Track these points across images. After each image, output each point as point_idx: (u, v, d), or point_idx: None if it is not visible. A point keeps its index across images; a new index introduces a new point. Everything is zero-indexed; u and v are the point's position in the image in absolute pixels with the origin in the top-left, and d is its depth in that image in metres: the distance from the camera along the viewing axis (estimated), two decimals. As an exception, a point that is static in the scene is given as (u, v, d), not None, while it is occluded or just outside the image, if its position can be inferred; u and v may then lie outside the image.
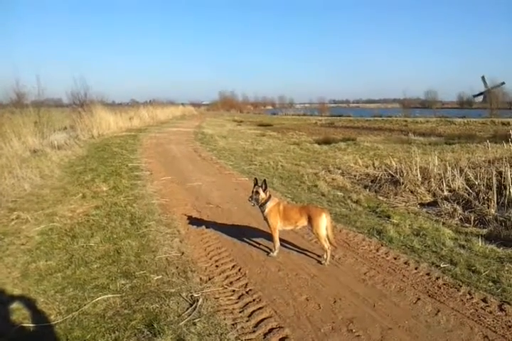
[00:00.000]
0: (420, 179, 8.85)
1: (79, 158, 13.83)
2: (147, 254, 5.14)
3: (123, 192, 8.55)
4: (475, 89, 73.84)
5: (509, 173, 7.51)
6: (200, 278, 4.45)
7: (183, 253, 5.19)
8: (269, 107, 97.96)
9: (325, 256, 4.85)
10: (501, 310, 3.74)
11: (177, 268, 4.74)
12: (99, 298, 3.98)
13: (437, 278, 4.40)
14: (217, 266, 4.78)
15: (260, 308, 3.78)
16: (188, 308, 3.80)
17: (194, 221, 6.47)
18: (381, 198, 8.20)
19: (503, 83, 58.79)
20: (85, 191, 8.52)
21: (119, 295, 4.06)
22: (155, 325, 3.46)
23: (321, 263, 4.83)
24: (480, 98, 68.96)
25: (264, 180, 5.04)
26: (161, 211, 7.11)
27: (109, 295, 4.04)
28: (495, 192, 7.35)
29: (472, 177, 8.53)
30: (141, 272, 4.60)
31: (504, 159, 8.54)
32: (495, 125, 32.63)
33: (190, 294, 4.08)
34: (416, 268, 4.67)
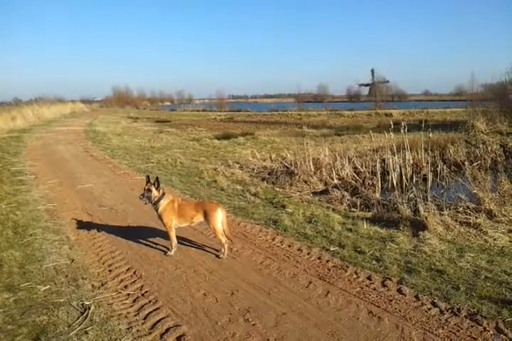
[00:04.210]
0: (313, 169, 9.33)
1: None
2: (33, 264, 4.76)
3: (4, 199, 7.77)
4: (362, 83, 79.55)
5: (391, 160, 8.25)
6: (92, 285, 4.22)
7: (73, 260, 4.89)
8: (168, 103, 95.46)
9: (223, 250, 4.89)
10: (384, 285, 4.08)
11: (66, 276, 4.45)
12: (-21, 317, 3.59)
13: (327, 261, 4.68)
14: (110, 271, 4.57)
15: (156, 309, 3.70)
16: (79, 317, 3.60)
17: (85, 225, 6.11)
18: (278, 189, 8.47)
19: (388, 81, 64.65)
20: (-40, 201, 7.59)
21: (1, 310, 3.73)
22: (42, 339, 3.25)
23: (219, 258, 4.86)
24: (366, 90, 74.64)
25: (157, 178, 4.92)
26: (48, 217, 6.61)
27: (-10, 312, 3.67)
28: (379, 178, 8.04)
29: (359, 166, 9.23)
30: (27, 284, 4.25)
31: (387, 147, 9.33)
32: (379, 116, 35.50)
33: (81, 302, 3.86)
34: (308, 254, 4.93)
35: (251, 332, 3.28)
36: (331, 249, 5.03)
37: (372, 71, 68.88)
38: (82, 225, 6.14)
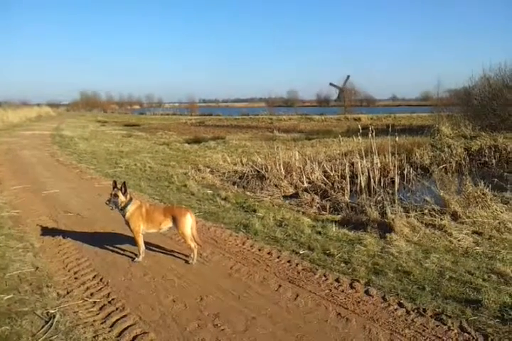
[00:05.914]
0: (283, 173, 9.38)
1: None
2: (-5, 273, 4.57)
3: (-36, 207, 7.46)
4: (331, 89, 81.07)
5: (360, 164, 8.39)
6: (58, 293, 4.09)
7: (37, 268, 4.72)
8: (137, 107, 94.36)
9: (192, 255, 4.83)
10: (352, 287, 4.12)
11: (31, 284, 4.29)
12: None
13: (297, 264, 4.69)
14: (76, 278, 4.44)
15: (124, 316, 3.61)
16: (43, 326, 3.47)
17: (50, 232, 5.92)
18: (248, 193, 8.47)
19: (348, 76, 66.20)
20: None
21: (-39, 321, 3.55)
22: (5, 350, 3.11)
23: (189, 263, 4.80)
24: (335, 94, 76.09)
25: (124, 182, 4.82)
26: (12, 224, 6.38)
27: (-50, 326, 3.50)
28: (348, 181, 8.17)
29: (329, 169, 9.35)
30: (-12, 293, 4.07)
31: (355, 151, 9.49)
32: (348, 121, 36.27)
33: (45, 311, 3.73)
34: (278, 257, 4.93)
35: (220, 338, 3.24)
36: (301, 252, 5.05)
37: (331, 84, 70.47)
38: (47, 232, 5.95)
